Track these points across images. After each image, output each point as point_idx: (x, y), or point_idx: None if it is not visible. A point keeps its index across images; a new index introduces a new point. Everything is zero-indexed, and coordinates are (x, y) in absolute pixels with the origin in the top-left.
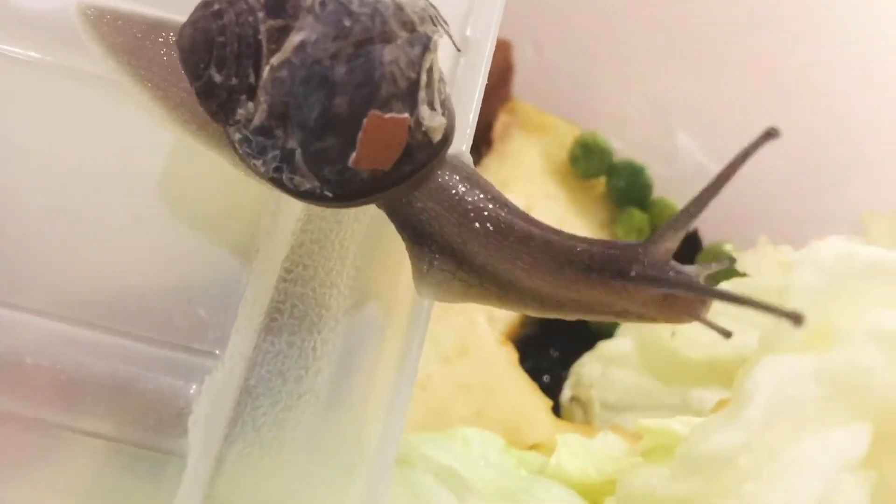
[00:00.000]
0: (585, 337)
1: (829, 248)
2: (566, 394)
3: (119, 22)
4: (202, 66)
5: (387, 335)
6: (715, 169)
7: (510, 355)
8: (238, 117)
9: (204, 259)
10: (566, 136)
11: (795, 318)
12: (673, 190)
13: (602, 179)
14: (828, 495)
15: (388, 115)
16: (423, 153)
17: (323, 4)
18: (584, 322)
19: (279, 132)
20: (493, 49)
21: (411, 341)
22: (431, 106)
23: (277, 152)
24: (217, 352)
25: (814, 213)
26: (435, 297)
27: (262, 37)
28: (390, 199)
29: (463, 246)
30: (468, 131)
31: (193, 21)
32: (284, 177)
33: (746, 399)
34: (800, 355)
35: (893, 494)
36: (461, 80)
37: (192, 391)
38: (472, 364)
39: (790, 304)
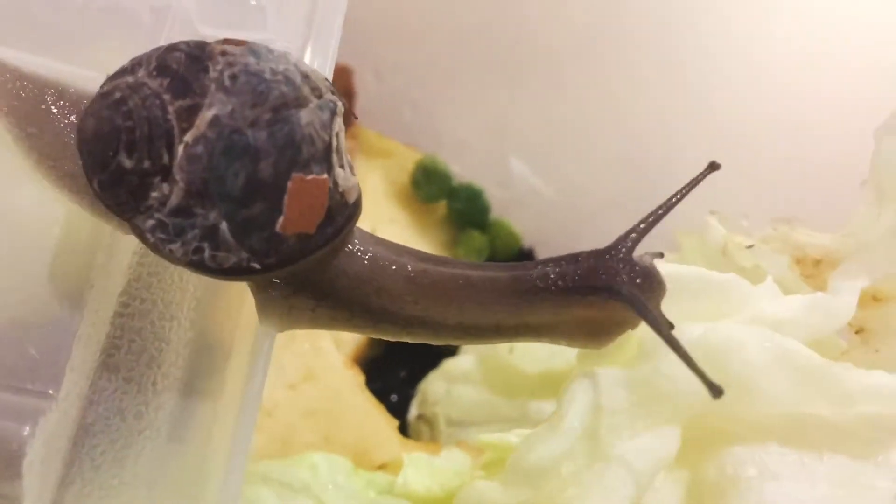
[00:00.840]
0: (431, 355)
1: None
2: (413, 412)
3: (18, 82)
4: (110, 153)
5: (230, 365)
6: (548, 192)
7: (356, 378)
8: (150, 202)
9: (35, 296)
10: (407, 161)
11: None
12: (510, 211)
13: (443, 203)
14: (642, 494)
15: (309, 177)
16: (342, 215)
17: (233, 77)
18: None
19: (199, 209)
20: (332, 76)
21: (255, 370)
22: (343, 167)
23: (197, 231)
24: (51, 391)
25: None
26: (279, 328)
27: (172, 117)
28: (305, 267)
29: (380, 302)
30: None
31: (95, 111)
32: (206, 256)
33: (566, 410)
34: (612, 367)
35: (706, 489)
36: None
37: (25, 433)
38: (319, 389)
39: None
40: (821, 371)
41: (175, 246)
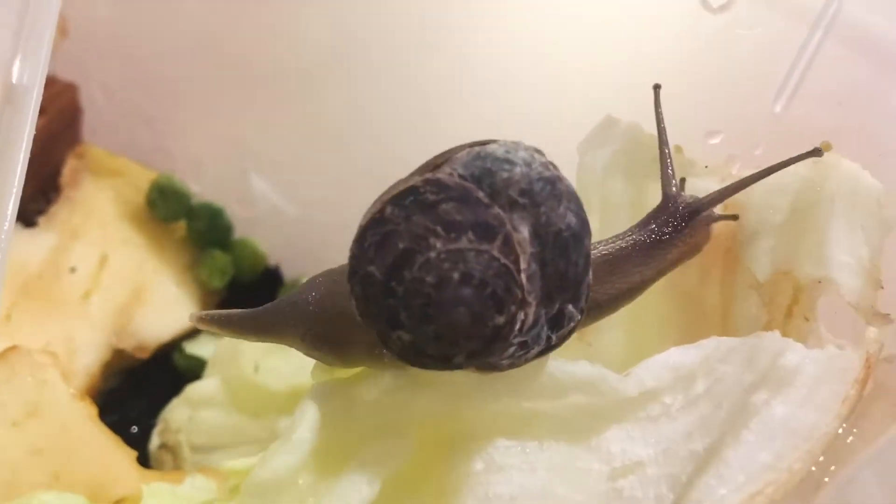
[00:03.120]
0: (172, 382)
1: None
2: (155, 442)
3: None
4: (487, 324)
5: None
6: (290, 208)
7: (88, 410)
8: (515, 333)
9: None
10: (142, 180)
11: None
12: (253, 229)
13: (182, 223)
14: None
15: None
16: None
17: (524, 192)
18: (172, 367)
19: (543, 310)
20: (41, 94)
21: None
22: None
23: (545, 325)
24: None
25: None
26: None
27: (501, 258)
28: None
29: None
30: (16, 182)
31: (461, 298)
32: (553, 342)
33: (297, 422)
34: (343, 380)
35: (442, 488)
36: (6, 128)
37: None
38: (45, 425)
39: None
40: (535, 366)
41: (532, 352)
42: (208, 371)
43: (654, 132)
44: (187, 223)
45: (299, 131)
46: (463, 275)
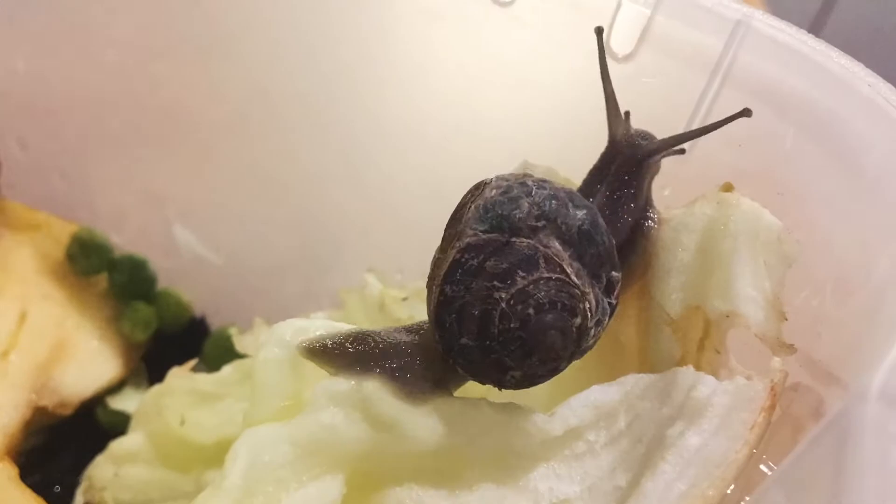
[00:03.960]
0: (96, 438)
1: (289, 326)
2: (79, 501)
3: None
4: (573, 328)
5: None
6: (215, 258)
7: (9, 472)
8: (590, 320)
9: None
10: (62, 234)
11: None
12: (177, 280)
13: (103, 276)
14: None
15: None
16: None
17: (549, 217)
18: (96, 423)
19: (597, 290)
20: None
21: None
22: None
23: (603, 299)
24: None
25: (306, 294)
26: None
27: (556, 276)
28: None
29: None
30: None
31: (545, 325)
32: (615, 301)
33: (228, 469)
34: (275, 424)
35: None
36: None
37: None
38: None
39: (261, 381)
40: (460, 410)
41: (605, 321)
42: (133, 426)
43: (568, 176)
44: (109, 276)
45: (222, 180)
46: (536, 306)
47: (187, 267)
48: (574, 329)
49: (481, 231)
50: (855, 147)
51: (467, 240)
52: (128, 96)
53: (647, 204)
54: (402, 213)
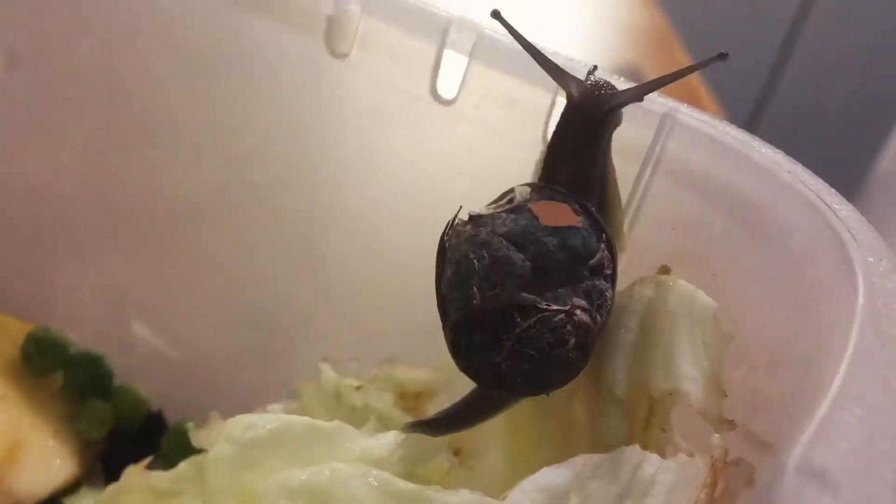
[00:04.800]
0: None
1: (239, 422)
2: None
3: None
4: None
5: None
6: (173, 353)
7: None
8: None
9: None
10: (18, 334)
11: None
12: (134, 376)
13: (59, 374)
14: None
15: None
16: None
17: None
18: None
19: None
20: None
21: None
22: None
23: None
24: None
25: (263, 386)
26: None
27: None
28: None
29: None
30: None
31: (551, 363)
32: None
33: None
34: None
35: None
36: None
37: None
38: None
39: (212, 479)
40: (413, 496)
41: (607, 305)
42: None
43: None
44: (65, 373)
45: (179, 274)
46: (530, 357)
47: (144, 362)
48: (571, 350)
49: (457, 309)
50: (779, 230)
51: (453, 318)
52: (84, 191)
53: (606, 158)
54: (355, 302)
